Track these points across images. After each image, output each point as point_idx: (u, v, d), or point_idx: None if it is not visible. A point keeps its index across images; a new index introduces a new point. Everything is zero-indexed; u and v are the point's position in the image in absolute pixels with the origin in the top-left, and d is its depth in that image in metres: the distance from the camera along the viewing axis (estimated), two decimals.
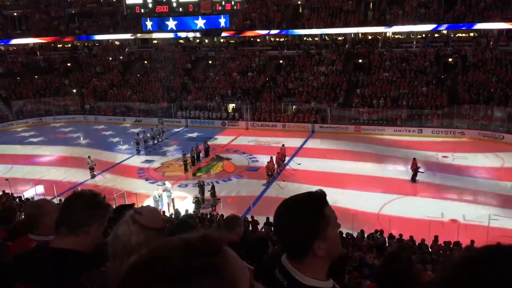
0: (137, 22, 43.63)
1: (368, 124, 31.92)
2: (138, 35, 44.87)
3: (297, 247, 1.66)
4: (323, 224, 1.66)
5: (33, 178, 24.02)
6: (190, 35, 43.01)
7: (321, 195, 1.73)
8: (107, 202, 2.30)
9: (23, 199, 18.54)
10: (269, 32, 40.32)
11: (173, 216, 16.63)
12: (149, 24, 41.23)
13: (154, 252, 0.90)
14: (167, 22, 40.29)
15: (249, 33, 41.07)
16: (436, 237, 14.23)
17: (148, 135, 30.51)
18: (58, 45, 47.38)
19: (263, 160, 24.31)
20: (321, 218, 1.66)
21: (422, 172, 21.93)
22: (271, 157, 23.48)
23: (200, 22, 39.39)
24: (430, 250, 13.58)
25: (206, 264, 0.85)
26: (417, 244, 13.70)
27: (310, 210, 1.67)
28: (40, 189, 21.42)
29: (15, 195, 19.29)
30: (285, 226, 1.69)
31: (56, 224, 2.17)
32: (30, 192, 20.79)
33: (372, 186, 21.17)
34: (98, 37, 46.34)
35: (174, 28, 40.73)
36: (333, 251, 1.70)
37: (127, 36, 45.30)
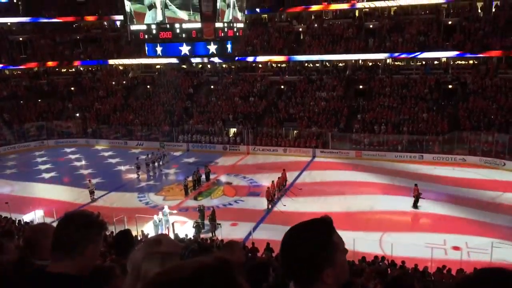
0: (141, 47, 44.15)
1: (369, 149, 31.96)
2: (144, 60, 45.18)
3: (306, 275, 1.62)
4: (332, 252, 1.62)
5: (33, 202, 23.88)
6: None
7: (328, 222, 1.69)
8: (102, 220, 2.18)
9: (22, 223, 18.38)
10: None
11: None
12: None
13: (169, 273, 0.91)
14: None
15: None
16: (441, 268, 14.04)
17: (150, 157, 30.48)
18: (62, 70, 47.94)
19: (264, 184, 24.22)
20: (330, 246, 1.62)
21: (424, 198, 21.81)
22: (272, 182, 23.43)
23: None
24: (433, 278, 13.37)
25: (219, 284, 0.87)
26: (419, 272, 13.49)
27: (319, 238, 1.63)
28: (39, 213, 21.28)
29: (13, 218, 19.14)
30: (293, 254, 1.64)
31: (51, 248, 2.09)
32: (30, 216, 20.64)
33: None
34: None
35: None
36: (341, 277, 1.66)
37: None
